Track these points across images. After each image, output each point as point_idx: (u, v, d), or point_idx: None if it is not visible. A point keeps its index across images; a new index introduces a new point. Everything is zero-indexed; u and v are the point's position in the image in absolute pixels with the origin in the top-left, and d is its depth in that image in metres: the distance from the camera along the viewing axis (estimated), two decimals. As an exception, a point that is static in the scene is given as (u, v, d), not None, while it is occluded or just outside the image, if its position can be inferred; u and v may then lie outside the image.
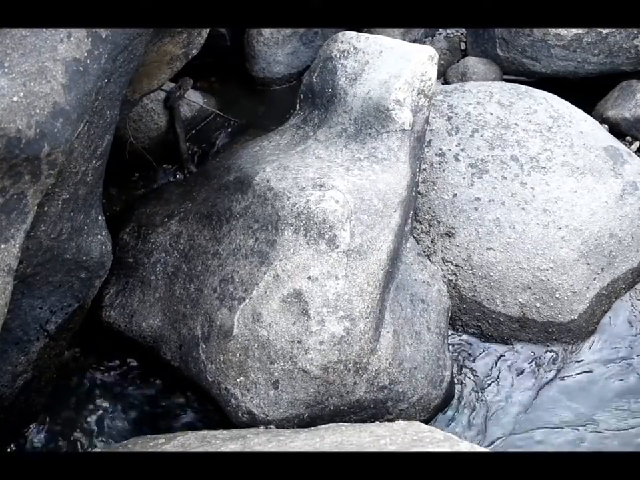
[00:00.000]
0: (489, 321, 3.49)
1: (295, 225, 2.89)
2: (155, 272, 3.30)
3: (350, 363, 2.87)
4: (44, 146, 2.21)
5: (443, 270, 3.52)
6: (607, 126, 4.34)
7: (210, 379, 2.96)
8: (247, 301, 2.90)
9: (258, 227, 2.98)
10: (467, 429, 3.26)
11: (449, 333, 3.47)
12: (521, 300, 3.44)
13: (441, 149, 3.66)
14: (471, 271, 3.48)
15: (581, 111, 3.92)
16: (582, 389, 3.39)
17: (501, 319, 3.47)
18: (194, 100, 4.42)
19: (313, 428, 2.69)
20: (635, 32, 4.39)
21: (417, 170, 3.31)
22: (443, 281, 3.51)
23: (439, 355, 3.24)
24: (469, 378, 3.41)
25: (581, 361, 3.47)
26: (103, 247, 2.93)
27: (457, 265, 3.50)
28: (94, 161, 2.64)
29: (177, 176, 4.19)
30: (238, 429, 2.85)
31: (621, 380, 3.41)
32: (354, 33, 3.31)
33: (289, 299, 2.85)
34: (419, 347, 3.15)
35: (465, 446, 2.19)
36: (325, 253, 2.87)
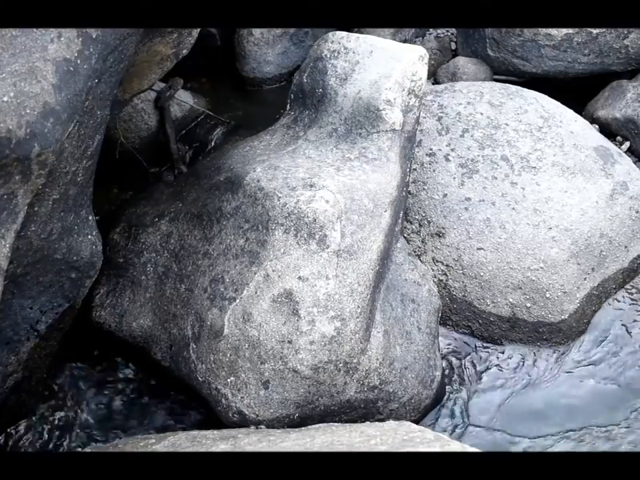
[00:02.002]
0: (480, 321, 3.49)
1: (286, 224, 2.89)
2: (146, 272, 3.30)
3: (340, 363, 2.87)
4: (34, 146, 2.20)
5: (433, 270, 3.53)
6: (597, 126, 4.35)
7: (200, 379, 2.95)
8: (238, 300, 2.90)
9: (248, 227, 2.98)
10: (458, 429, 3.27)
11: (440, 333, 3.47)
12: (511, 300, 3.44)
13: (431, 149, 3.66)
14: (461, 271, 3.48)
15: (571, 111, 3.93)
16: (572, 389, 3.39)
17: (491, 318, 3.47)
18: (184, 100, 4.42)
19: (303, 428, 2.68)
20: (625, 32, 4.40)
21: (408, 170, 3.32)
22: (434, 280, 3.51)
23: (430, 355, 3.25)
24: (460, 378, 3.42)
25: (572, 360, 3.48)
26: (94, 247, 2.92)
27: (447, 265, 3.51)
28: (84, 161, 2.64)
29: (168, 176, 4.19)
30: (228, 429, 2.84)
31: (612, 380, 3.42)
32: (344, 33, 3.31)
33: (279, 299, 2.85)
34: (409, 347, 3.15)
35: (456, 446, 2.19)
36: (315, 253, 2.87)
